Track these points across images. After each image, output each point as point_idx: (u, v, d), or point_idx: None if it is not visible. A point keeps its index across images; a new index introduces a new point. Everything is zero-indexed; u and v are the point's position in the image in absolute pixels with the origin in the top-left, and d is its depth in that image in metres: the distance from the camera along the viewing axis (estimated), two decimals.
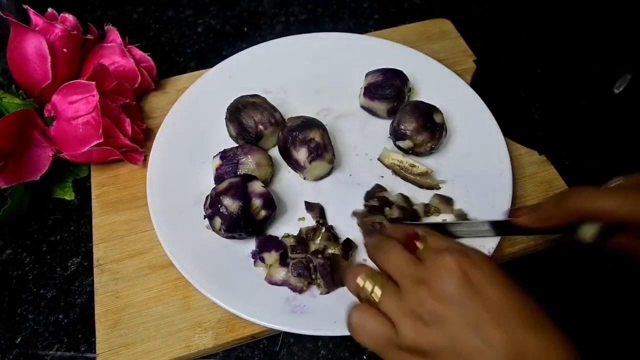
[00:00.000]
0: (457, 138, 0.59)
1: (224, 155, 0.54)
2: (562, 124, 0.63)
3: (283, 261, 0.49)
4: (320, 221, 0.53)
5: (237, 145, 0.56)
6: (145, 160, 0.58)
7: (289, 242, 0.51)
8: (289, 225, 0.53)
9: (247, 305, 0.46)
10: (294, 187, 0.56)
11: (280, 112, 0.57)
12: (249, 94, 0.58)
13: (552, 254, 0.53)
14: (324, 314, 0.46)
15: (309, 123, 0.55)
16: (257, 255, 0.50)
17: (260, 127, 0.55)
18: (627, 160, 0.58)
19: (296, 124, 0.54)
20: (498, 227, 0.47)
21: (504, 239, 0.51)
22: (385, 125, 0.60)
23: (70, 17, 0.60)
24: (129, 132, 0.57)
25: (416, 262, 0.36)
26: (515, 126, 0.60)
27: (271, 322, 0.45)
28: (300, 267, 0.48)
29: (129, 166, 0.58)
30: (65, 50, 0.57)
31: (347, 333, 0.44)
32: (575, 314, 0.49)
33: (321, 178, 0.57)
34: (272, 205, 0.50)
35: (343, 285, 0.47)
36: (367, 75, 0.61)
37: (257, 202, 0.49)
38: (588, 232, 0.41)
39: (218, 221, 0.48)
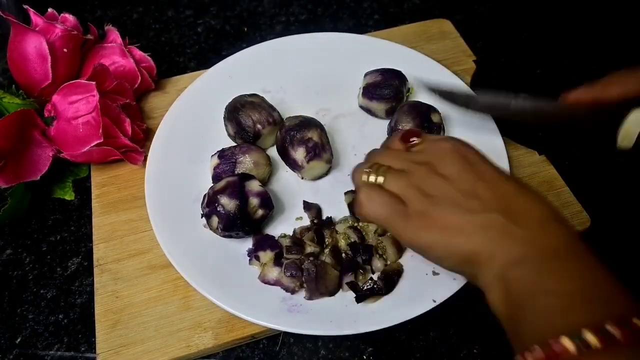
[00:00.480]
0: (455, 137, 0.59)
1: (221, 154, 0.54)
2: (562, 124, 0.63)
3: (277, 261, 0.49)
4: (315, 221, 0.53)
5: (235, 144, 0.57)
6: (146, 160, 0.58)
7: (285, 242, 0.51)
8: (287, 224, 0.53)
9: (243, 305, 0.46)
10: (291, 186, 0.56)
11: (278, 112, 0.57)
12: (248, 93, 0.58)
13: None
14: (320, 313, 0.46)
15: (307, 123, 0.55)
16: (253, 254, 0.50)
17: (259, 126, 0.55)
18: (627, 160, 0.58)
19: (294, 124, 0.54)
20: (547, 108, 0.45)
21: None
22: (383, 125, 0.60)
23: (70, 17, 0.60)
24: (129, 132, 0.57)
25: (414, 153, 0.41)
26: (515, 126, 0.60)
27: (267, 322, 0.45)
28: (293, 267, 0.48)
29: (129, 166, 0.58)
30: (65, 50, 0.57)
31: (344, 333, 0.44)
32: None
33: (319, 178, 0.57)
34: (270, 204, 0.50)
35: (328, 295, 0.48)
36: (365, 75, 0.61)
37: (254, 201, 0.49)
38: (635, 128, 0.40)
39: (215, 220, 0.48)
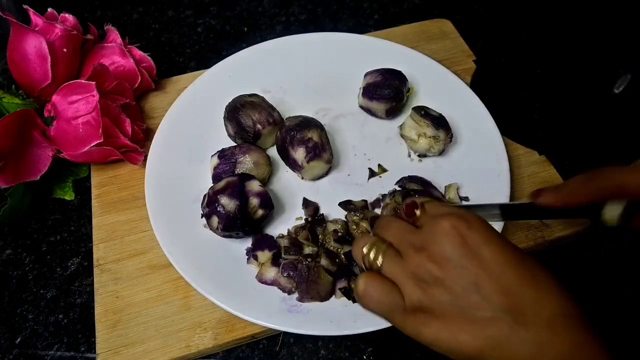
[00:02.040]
0: (455, 138, 0.59)
1: (221, 154, 0.54)
2: (562, 124, 0.63)
3: (275, 261, 0.50)
4: (309, 219, 0.53)
5: (235, 144, 0.57)
6: (146, 160, 0.58)
7: (283, 242, 0.51)
8: (287, 224, 0.53)
9: (243, 305, 0.46)
10: (292, 186, 0.56)
11: (278, 112, 0.57)
12: (248, 93, 0.58)
13: (553, 254, 0.53)
14: (320, 313, 0.46)
15: (307, 123, 0.55)
16: (251, 253, 0.50)
17: (259, 126, 0.55)
18: (627, 160, 0.58)
19: (294, 124, 0.54)
20: (509, 212, 0.46)
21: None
22: (383, 125, 0.60)
23: (70, 17, 0.60)
24: (129, 132, 0.57)
25: (415, 230, 0.38)
26: (515, 126, 0.60)
27: (267, 322, 0.45)
28: (291, 268, 0.48)
29: (129, 166, 0.58)
30: (65, 50, 0.57)
31: (343, 333, 0.45)
32: None
33: (319, 178, 0.57)
34: (270, 204, 0.50)
35: (320, 300, 0.48)
36: (365, 75, 0.61)
37: (254, 201, 0.49)
38: (614, 211, 0.40)
39: (215, 220, 0.48)
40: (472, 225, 0.35)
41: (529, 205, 0.43)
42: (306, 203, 0.54)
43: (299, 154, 0.53)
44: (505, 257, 0.34)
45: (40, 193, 0.58)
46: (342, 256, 0.50)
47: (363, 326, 0.45)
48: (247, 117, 0.55)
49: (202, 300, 0.49)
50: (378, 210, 0.54)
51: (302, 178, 0.56)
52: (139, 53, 0.63)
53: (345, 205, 0.54)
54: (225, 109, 0.57)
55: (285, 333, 0.49)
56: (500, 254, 0.34)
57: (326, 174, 0.57)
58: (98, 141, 0.53)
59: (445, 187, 0.55)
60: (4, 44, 0.58)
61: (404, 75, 0.60)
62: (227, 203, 0.48)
